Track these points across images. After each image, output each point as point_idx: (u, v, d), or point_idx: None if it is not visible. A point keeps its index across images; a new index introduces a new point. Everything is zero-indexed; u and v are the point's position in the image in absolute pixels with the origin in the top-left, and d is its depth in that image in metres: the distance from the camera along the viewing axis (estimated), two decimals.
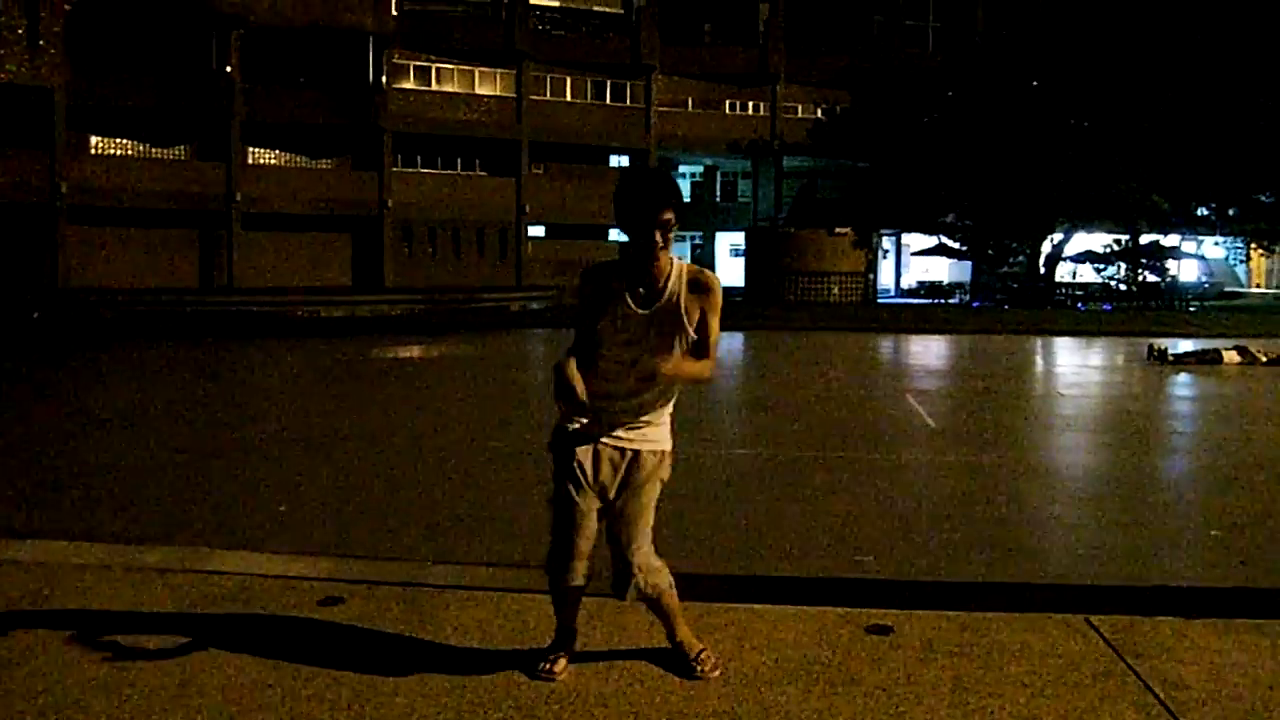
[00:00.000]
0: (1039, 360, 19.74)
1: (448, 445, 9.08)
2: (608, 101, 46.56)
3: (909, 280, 50.00)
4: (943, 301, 41.89)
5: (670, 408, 3.64)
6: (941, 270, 48.59)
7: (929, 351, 21.33)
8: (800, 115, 48.06)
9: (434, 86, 42.74)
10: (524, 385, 14.32)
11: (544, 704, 3.36)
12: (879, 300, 41.47)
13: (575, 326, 3.56)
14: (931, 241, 44.05)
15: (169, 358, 18.39)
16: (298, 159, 41.44)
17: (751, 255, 42.68)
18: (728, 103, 49.45)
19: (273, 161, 41.04)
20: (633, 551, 3.54)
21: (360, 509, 6.54)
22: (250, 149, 39.97)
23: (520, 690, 3.46)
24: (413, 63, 42.12)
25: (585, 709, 3.33)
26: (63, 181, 35.80)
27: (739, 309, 35.38)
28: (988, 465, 8.36)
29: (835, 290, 39.90)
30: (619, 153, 48.20)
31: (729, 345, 23.53)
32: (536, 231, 45.85)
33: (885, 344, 22.91)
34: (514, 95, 43.52)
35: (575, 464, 3.52)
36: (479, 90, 43.53)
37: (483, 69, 43.42)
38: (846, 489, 7.30)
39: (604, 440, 3.54)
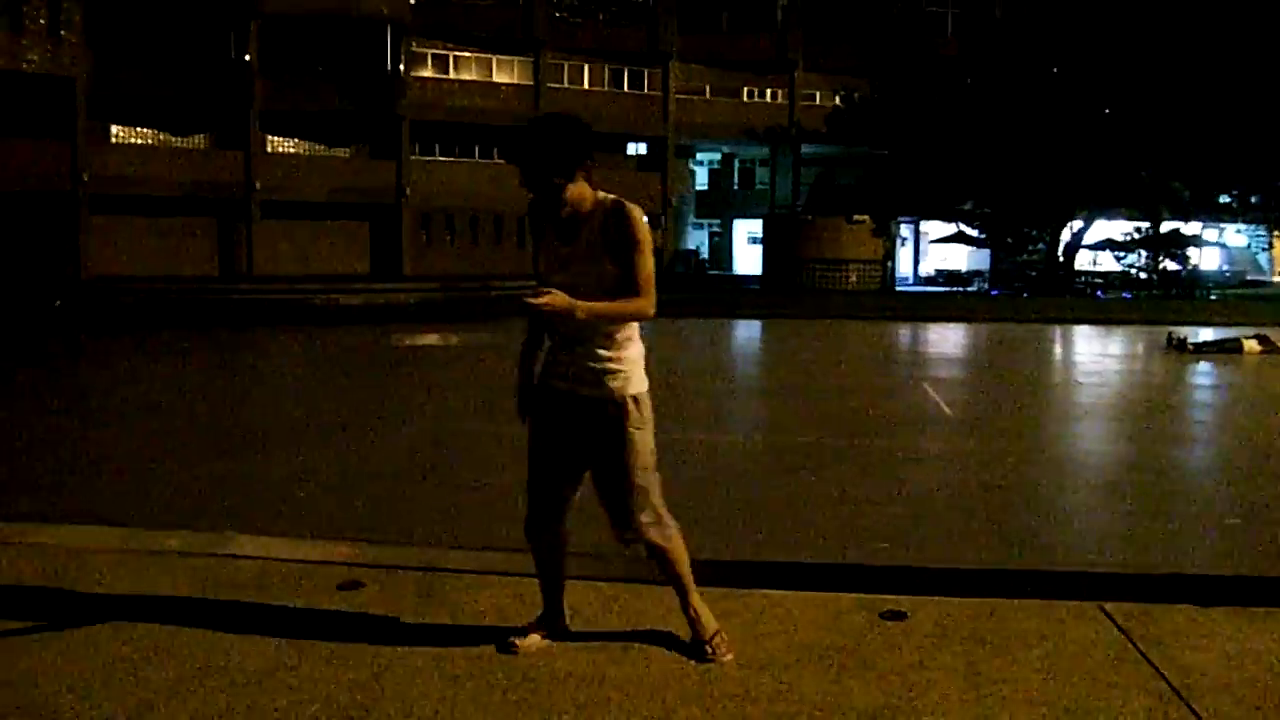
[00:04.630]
0: (1057, 348, 19.67)
1: (465, 431, 9.14)
2: (625, 89, 46.50)
3: (927, 268, 49.80)
4: (961, 290, 41.71)
5: (632, 351, 3.54)
6: (960, 258, 48.38)
7: (946, 340, 21.27)
8: (818, 102, 47.88)
9: (452, 75, 42.78)
10: None
11: (560, 686, 3.40)
12: (897, 288, 41.32)
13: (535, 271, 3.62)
14: (950, 229, 43.86)
15: (188, 345, 18.52)
16: (316, 147, 41.57)
17: (769, 243, 42.61)
18: (746, 90, 49.31)
19: (291, 150, 41.18)
20: (629, 507, 3.52)
21: (378, 494, 6.59)
22: (269, 137, 40.13)
23: (537, 672, 3.50)
24: (431, 51, 42.15)
25: (600, 692, 3.36)
26: (84, 171, 36.03)
27: (755, 297, 35.36)
28: (1004, 453, 8.36)
29: (853, 278, 39.76)
30: (637, 140, 48.14)
31: (746, 333, 23.52)
32: None
33: (903, 332, 22.86)
34: (532, 83, 43.51)
35: (536, 419, 3.58)
36: (497, 78, 43.55)
37: (501, 57, 43.43)
38: (862, 476, 7.31)
39: (564, 391, 3.53)
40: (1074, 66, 36.08)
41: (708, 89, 48.48)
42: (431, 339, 19.66)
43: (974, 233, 42.60)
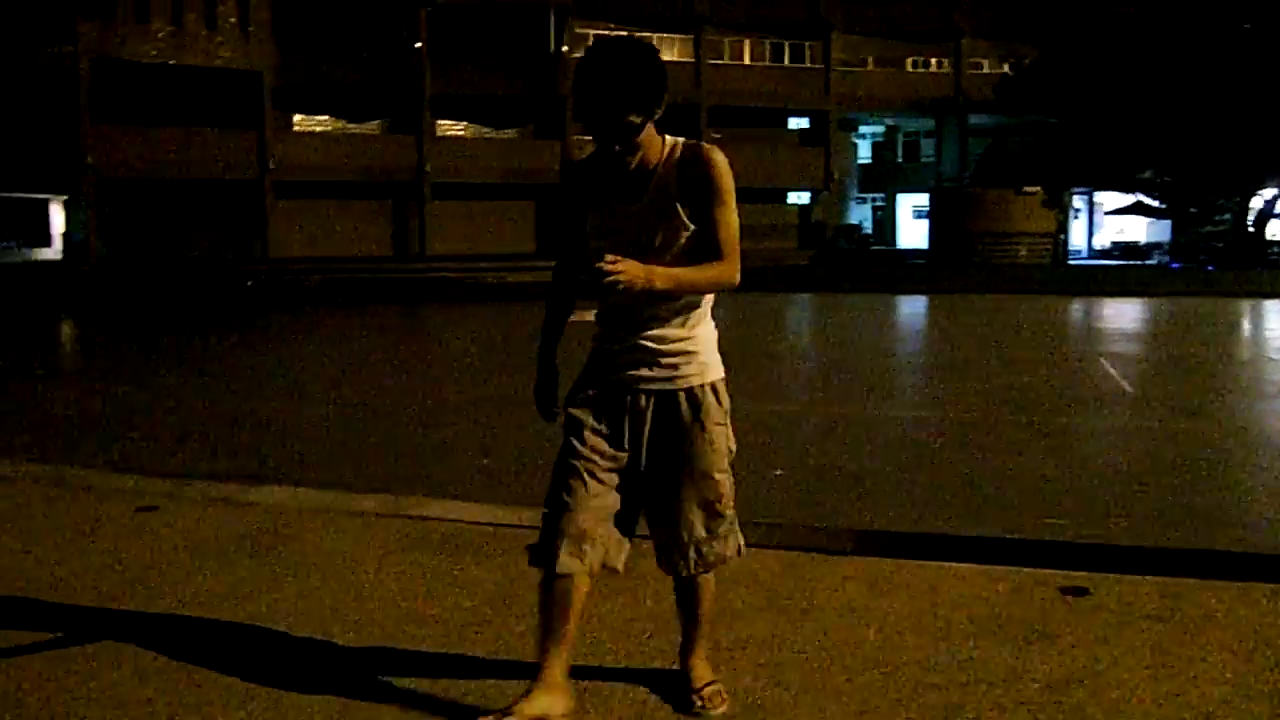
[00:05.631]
0: (1246, 324, 18.59)
1: None
2: (786, 63, 46.08)
3: (1102, 241, 47.69)
4: (1139, 263, 39.78)
5: (706, 329, 2.89)
6: (1138, 230, 46.12)
7: (1124, 315, 20.38)
8: (986, 71, 46.38)
9: None
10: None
11: (740, 651, 3.49)
12: (1070, 262, 39.72)
13: (558, 241, 2.98)
14: (1127, 200, 41.80)
15: (368, 322, 19.43)
16: (484, 130, 42.74)
17: (936, 217, 41.56)
18: (909, 60, 48.14)
19: (460, 133, 42.46)
20: (703, 525, 2.87)
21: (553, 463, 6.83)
22: (439, 122, 41.48)
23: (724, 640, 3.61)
24: (592, 31, 42.66)
25: (778, 655, 3.44)
26: (270, 158, 38.09)
27: (921, 271, 34.57)
28: (1188, 432, 8.03)
29: (1023, 252, 38.42)
30: (798, 115, 47.64)
31: (910, 309, 23.08)
32: None
33: (1076, 307, 22.02)
34: (692, 60, 43.55)
35: (579, 417, 2.84)
36: None
37: (661, 35, 43.62)
38: (1038, 451, 7.16)
39: (621, 385, 2.84)
40: (1268, 20, 33.74)
41: (870, 60, 47.53)
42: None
43: (1154, 203, 40.47)
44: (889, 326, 19.70)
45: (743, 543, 3.00)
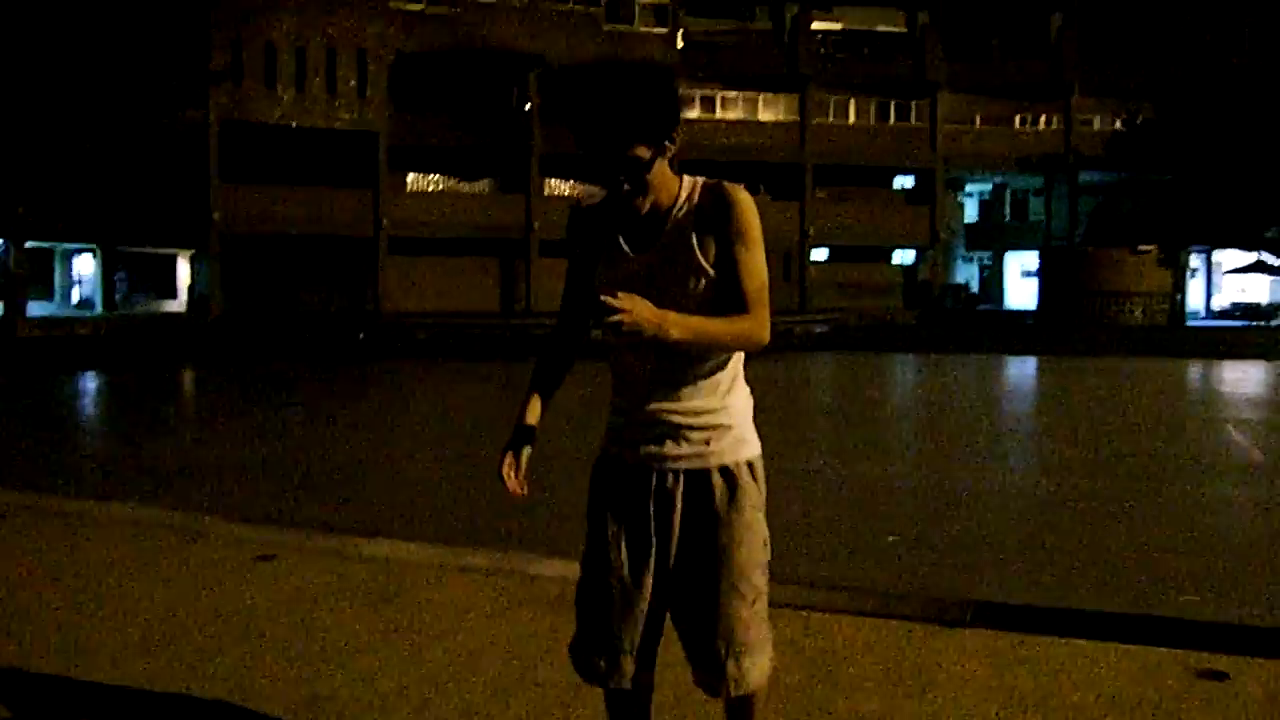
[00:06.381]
0: None
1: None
2: (892, 122, 45.85)
3: (1221, 301, 45.97)
4: (1262, 324, 38.20)
5: (741, 398, 2.47)
6: (1261, 290, 44.34)
7: (1248, 379, 19.56)
8: (1096, 128, 45.49)
9: (718, 114, 43.60)
10: (814, 406, 14.33)
11: None
12: (1187, 323, 38.37)
13: (564, 291, 2.63)
14: (1249, 258, 40.33)
15: (474, 375, 19.76)
16: (590, 189, 43.40)
17: (1046, 276, 40.65)
18: (1018, 118, 47.48)
19: (566, 192, 43.24)
20: (725, 636, 2.40)
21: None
22: (546, 180, 42.31)
23: None
24: (698, 91, 43.19)
25: None
26: (384, 216, 39.31)
27: (1031, 331, 33.76)
28: None
29: (1138, 312, 37.30)
30: (904, 173, 47.31)
31: (1020, 370, 22.51)
32: (819, 254, 45.70)
33: (1196, 370, 21.21)
34: (797, 119, 43.68)
35: (601, 504, 2.48)
36: (762, 116, 44.01)
37: (766, 95, 43.88)
38: (1166, 523, 6.87)
39: (640, 466, 2.44)
40: None
41: (977, 118, 47.02)
42: None
43: (1276, 261, 38.96)
44: (1000, 388, 19.24)
45: (769, 668, 2.50)
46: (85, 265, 40.69)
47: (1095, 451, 10.26)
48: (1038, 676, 3.75)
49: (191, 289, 40.47)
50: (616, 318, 2.13)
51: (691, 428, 2.39)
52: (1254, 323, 38.94)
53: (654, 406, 2.40)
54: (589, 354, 2.68)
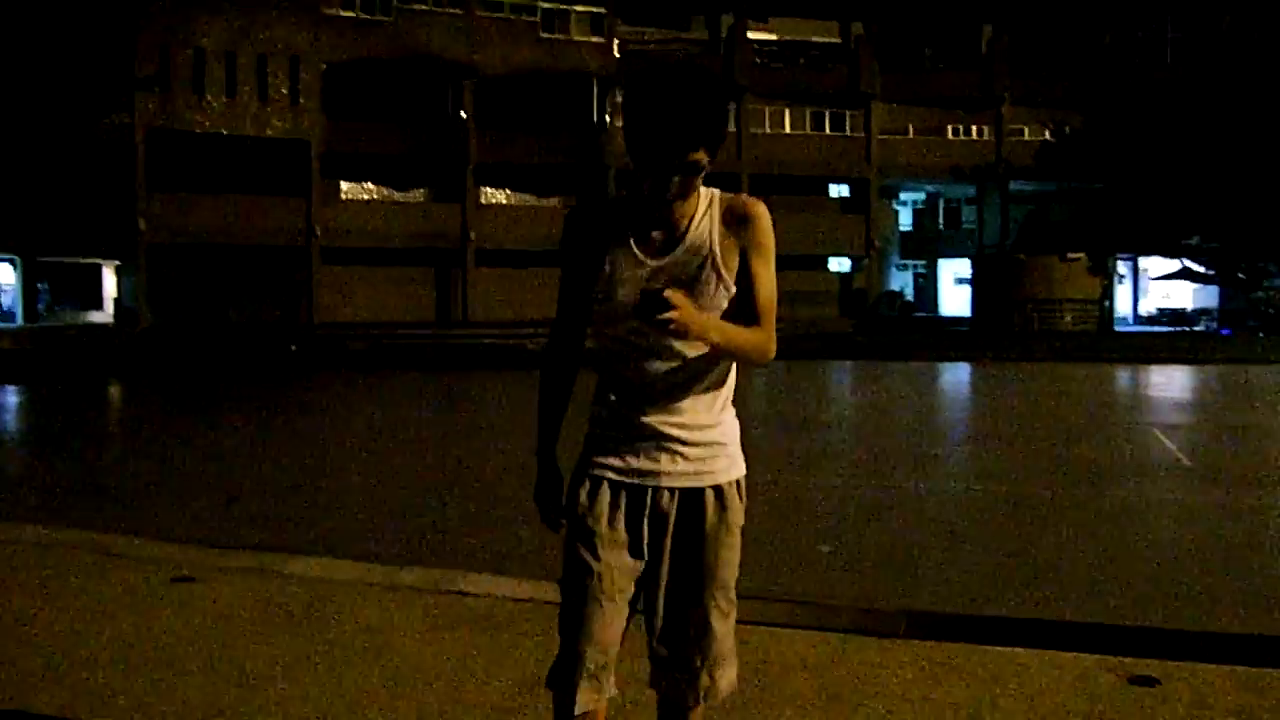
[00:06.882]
0: None
1: None
2: (827, 131, 46.29)
3: (1147, 307, 47.11)
4: (1187, 329, 39.18)
5: (731, 414, 2.44)
6: (1184, 296, 45.51)
7: (1175, 383, 20.00)
8: (1027, 137, 46.34)
9: None
10: (745, 415, 14.29)
11: None
12: (1115, 329, 39.22)
13: (559, 299, 2.48)
14: (1173, 265, 41.36)
15: (409, 388, 19.48)
16: (526, 198, 43.25)
17: (978, 284, 41.29)
18: (950, 128, 48.19)
19: (503, 201, 42.99)
20: (703, 651, 2.39)
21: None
22: (482, 189, 42.03)
23: None
24: None
25: None
26: (317, 225, 38.74)
27: (965, 339, 34.25)
28: (1255, 507, 7.74)
29: (1068, 319, 38.05)
30: (839, 182, 47.78)
31: (954, 377, 22.79)
32: None
33: (1124, 375, 21.65)
34: (733, 129, 43.90)
35: (588, 522, 2.35)
36: None
37: None
38: (1094, 529, 6.93)
39: (633, 485, 2.36)
40: None
41: (911, 128, 47.64)
42: None
43: (1200, 268, 40.00)
44: (934, 395, 19.44)
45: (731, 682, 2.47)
46: (5, 275, 39.52)
47: (1027, 456, 10.37)
48: (971, 686, 3.73)
49: (118, 300, 39.52)
50: (669, 314, 2.12)
51: (689, 443, 2.35)
52: (1179, 328, 39.91)
53: (653, 419, 2.34)
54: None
